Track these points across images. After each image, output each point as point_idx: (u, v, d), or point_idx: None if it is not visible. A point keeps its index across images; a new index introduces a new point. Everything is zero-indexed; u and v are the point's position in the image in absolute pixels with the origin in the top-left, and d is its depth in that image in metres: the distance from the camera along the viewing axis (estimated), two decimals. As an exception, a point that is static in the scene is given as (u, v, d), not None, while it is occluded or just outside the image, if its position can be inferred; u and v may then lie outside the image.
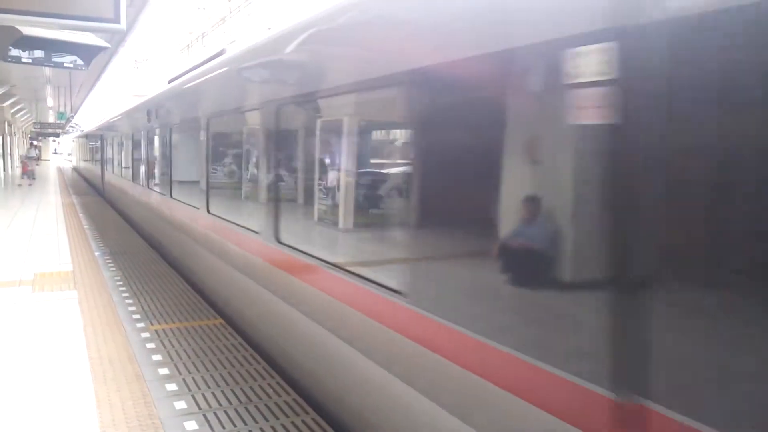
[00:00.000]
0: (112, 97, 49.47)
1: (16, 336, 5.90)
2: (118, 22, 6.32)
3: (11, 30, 8.70)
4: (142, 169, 12.43)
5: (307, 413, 4.37)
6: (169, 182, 9.59)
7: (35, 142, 51.09)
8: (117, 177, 17.47)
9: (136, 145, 13.24)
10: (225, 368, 5.20)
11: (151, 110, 11.02)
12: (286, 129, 5.09)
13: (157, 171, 10.81)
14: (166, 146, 9.79)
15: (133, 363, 5.26)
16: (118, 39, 13.75)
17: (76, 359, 5.32)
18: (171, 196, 9.44)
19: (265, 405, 4.49)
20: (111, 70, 22.08)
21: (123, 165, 15.91)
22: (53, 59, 9.89)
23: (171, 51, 50.27)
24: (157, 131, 10.53)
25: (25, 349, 5.55)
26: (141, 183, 12.65)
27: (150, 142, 11.39)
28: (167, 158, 9.71)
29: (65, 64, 10.29)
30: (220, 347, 5.72)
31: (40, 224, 13.76)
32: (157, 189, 10.74)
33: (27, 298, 7.29)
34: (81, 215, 16.24)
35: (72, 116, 40.76)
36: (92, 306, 7.01)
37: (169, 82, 10.36)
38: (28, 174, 30.07)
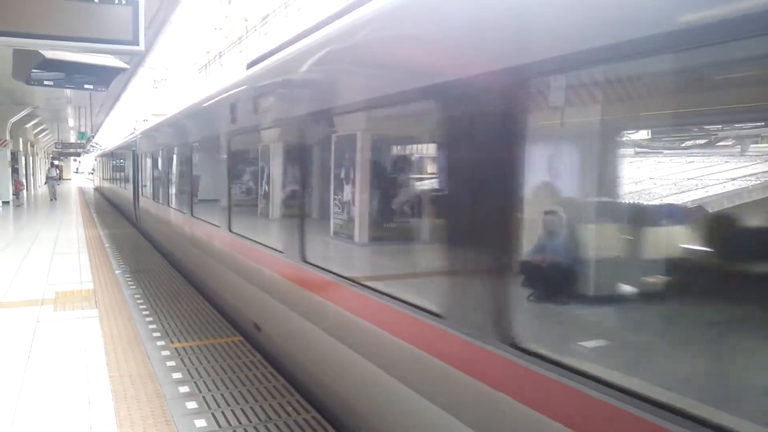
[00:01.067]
0: (130, 117, 50.14)
1: (39, 354, 5.97)
2: (138, 44, 6.43)
3: (34, 54, 8.87)
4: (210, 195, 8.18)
5: (327, 431, 4.35)
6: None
7: (56, 162, 50.57)
8: (160, 206, 12.63)
9: (199, 161, 9.25)
10: (245, 386, 5.20)
11: (238, 104, 6.93)
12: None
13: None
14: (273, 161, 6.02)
15: (153, 381, 5.29)
16: (137, 60, 13.96)
17: (97, 377, 5.36)
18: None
19: (285, 423, 4.48)
20: (130, 91, 22.34)
21: (171, 189, 11.41)
22: (74, 81, 10.04)
23: (189, 71, 50.97)
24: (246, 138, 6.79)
25: (48, 367, 5.60)
26: (211, 221, 8.03)
27: (232, 156, 7.19)
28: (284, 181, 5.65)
29: (86, 86, 10.44)
30: (239, 365, 5.73)
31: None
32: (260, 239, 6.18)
33: (49, 317, 7.37)
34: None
35: (92, 136, 41.34)
36: (113, 324, 7.07)
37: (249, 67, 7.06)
38: (50, 193, 30.82)
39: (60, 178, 42.51)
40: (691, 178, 2.46)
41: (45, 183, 39.26)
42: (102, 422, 4.48)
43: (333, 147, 4.67)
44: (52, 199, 30.31)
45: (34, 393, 5.02)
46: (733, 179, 2.37)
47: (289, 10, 28.34)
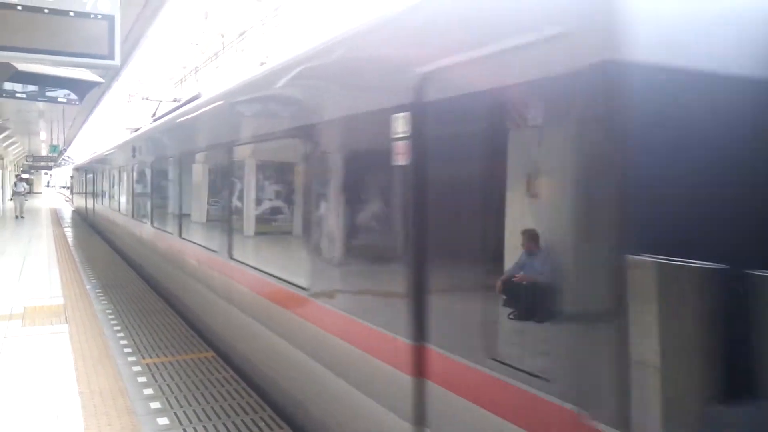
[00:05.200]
0: (104, 131, 49.57)
1: (7, 369, 5.86)
2: (113, 59, 6.43)
3: (6, 66, 8.80)
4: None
5: (300, 446, 4.35)
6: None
7: (23, 176, 43.69)
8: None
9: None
10: (217, 402, 5.17)
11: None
12: None
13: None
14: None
15: (124, 397, 5.23)
16: (112, 74, 13.88)
17: (66, 393, 5.29)
18: None
19: (257, 438, 4.47)
20: (104, 104, 22.13)
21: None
22: (47, 94, 9.99)
23: (164, 85, 50.65)
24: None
25: (16, 383, 5.50)
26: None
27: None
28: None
29: (59, 99, 10.39)
30: (212, 380, 5.70)
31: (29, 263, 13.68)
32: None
33: (17, 332, 7.25)
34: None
35: (65, 149, 40.75)
36: (83, 339, 6.97)
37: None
38: (17, 210, 27.06)
39: (29, 192, 39.40)
40: None
41: (10, 199, 33.40)
42: (71, 439, 4.42)
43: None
44: (18, 216, 26.80)
45: (1, 409, 4.93)
46: None
47: (266, 27, 28.43)
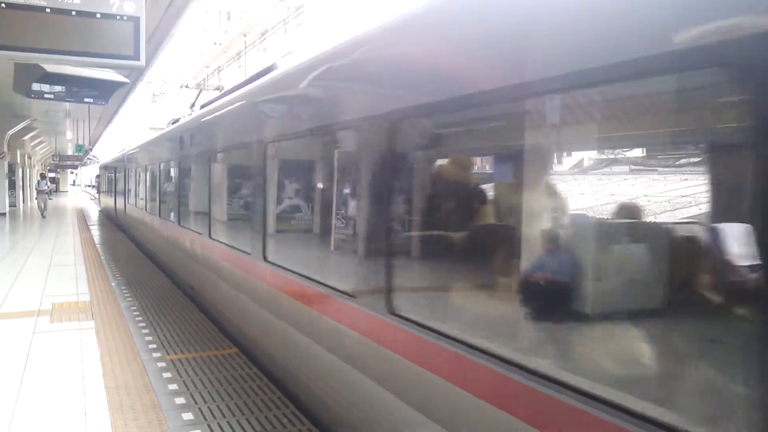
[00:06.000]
0: (128, 130, 50.19)
1: (36, 364, 5.99)
2: (138, 59, 6.53)
3: (35, 67, 8.97)
4: None
5: (322, 442, 4.39)
6: None
7: (46, 173, 40.45)
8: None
9: None
10: (240, 398, 5.23)
11: None
12: None
13: None
14: None
15: (149, 392, 5.31)
16: (136, 74, 14.08)
17: (93, 388, 5.39)
18: None
19: (280, 434, 4.52)
20: (128, 104, 22.43)
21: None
22: (74, 94, 10.15)
23: (188, 85, 51.12)
24: None
25: (45, 377, 5.62)
26: None
27: None
28: None
29: (85, 99, 10.55)
30: (235, 377, 5.76)
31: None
32: None
33: (46, 327, 7.40)
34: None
35: (90, 149, 41.35)
36: (109, 335, 7.10)
37: None
38: (40, 209, 26.88)
39: (54, 191, 38.67)
40: None
41: (35, 198, 32.26)
42: (98, 432, 4.51)
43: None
44: (42, 216, 26.62)
45: (30, 403, 5.04)
46: None
47: (288, 26, 28.56)
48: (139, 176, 16.42)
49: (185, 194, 10.03)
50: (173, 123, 13.26)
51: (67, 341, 6.85)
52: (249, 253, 6.29)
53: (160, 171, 12.83)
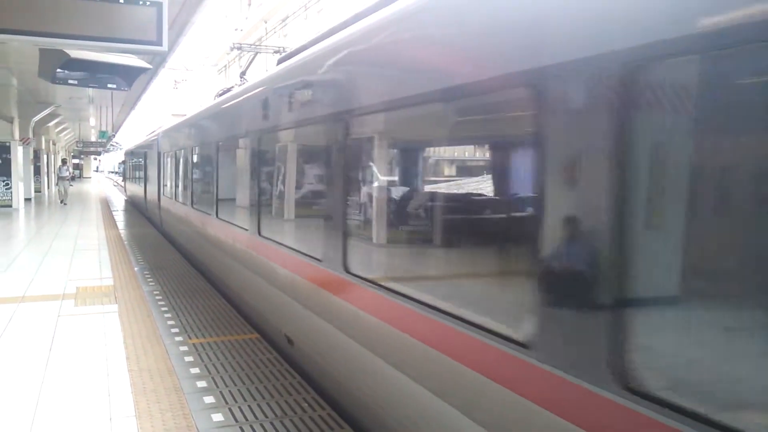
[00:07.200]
0: (150, 117, 50.57)
1: (62, 346, 6.08)
2: (161, 44, 6.54)
3: (59, 53, 9.04)
4: None
5: (342, 428, 4.40)
6: None
7: (68, 158, 39.48)
8: None
9: None
10: (261, 382, 5.27)
11: None
12: None
13: None
14: None
15: (172, 375, 5.37)
16: (159, 60, 14.13)
17: (117, 370, 5.46)
18: None
19: (300, 419, 4.54)
20: (151, 90, 22.53)
21: None
22: (98, 80, 10.21)
23: (208, 72, 51.39)
24: None
25: (70, 359, 5.71)
26: None
27: None
28: None
29: (109, 85, 10.61)
30: (256, 362, 5.80)
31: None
32: None
33: (71, 311, 7.50)
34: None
35: (113, 135, 41.77)
36: (132, 319, 7.18)
37: None
38: (60, 195, 26.30)
39: (78, 177, 37.98)
40: None
41: (56, 184, 31.35)
42: (121, 414, 4.57)
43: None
44: (62, 202, 26.27)
45: (55, 384, 5.13)
46: None
47: (309, 12, 28.51)
48: (178, 163, 13.30)
49: (245, 188, 7.43)
50: (222, 94, 10.53)
51: (91, 324, 6.95)
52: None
53: (205, 156, 10.27)
